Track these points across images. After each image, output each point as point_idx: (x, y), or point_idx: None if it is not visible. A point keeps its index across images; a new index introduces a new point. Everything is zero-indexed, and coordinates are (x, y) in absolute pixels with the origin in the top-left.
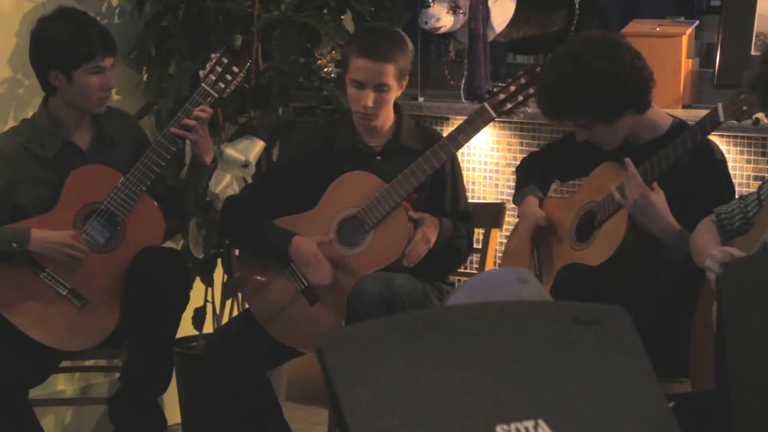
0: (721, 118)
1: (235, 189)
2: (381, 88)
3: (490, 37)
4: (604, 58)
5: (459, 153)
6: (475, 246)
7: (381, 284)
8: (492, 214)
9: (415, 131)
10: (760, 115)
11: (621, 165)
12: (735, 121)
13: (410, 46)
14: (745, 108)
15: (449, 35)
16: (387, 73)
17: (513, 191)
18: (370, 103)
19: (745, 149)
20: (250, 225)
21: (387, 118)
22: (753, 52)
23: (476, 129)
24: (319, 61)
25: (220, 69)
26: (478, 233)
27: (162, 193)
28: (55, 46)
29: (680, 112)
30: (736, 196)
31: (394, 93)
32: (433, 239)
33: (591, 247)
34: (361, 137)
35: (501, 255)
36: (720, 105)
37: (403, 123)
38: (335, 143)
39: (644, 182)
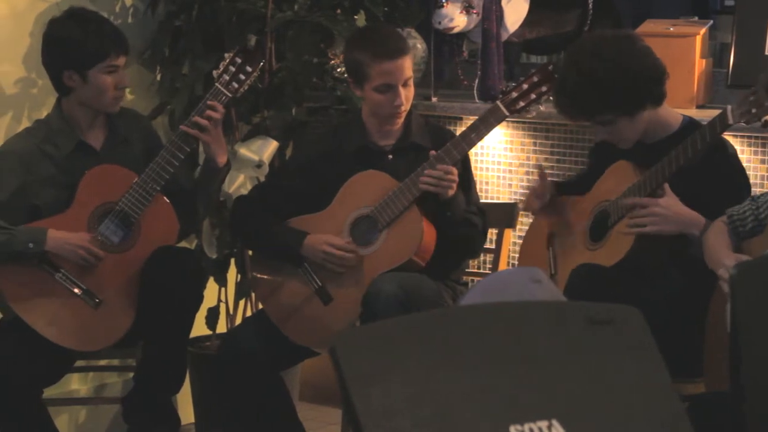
0: (730, 121)
1: (248, 189)
2: (407, 82)
3: (504, 37)
4: (625, 53)
5: (472, 153)
6: (488, 246)
7: (396, 284)
8: (505, 215)
9: (425, 129)
10: None
11: (634, 164)
12: (744, 124)
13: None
14: (754, 110)
15: (463, 35)
16: (408, 65)
17: (526, 191)
18: (404, 100)
19: (759, 149)
20: (260, 226)
21: None
22: (767, 53)
23: (489, 127)
24: (333, 61)
25: (233, 69)
26: (492, 233)
27: (175, 193)
28: (68, 46)
29: (694, 112)
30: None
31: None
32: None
33: (605, 248)
34: (372, 137)
35: (515, 255)
36: (729, 107)
37: (413, 121)
38: (346, 143)
39: (654, 185)
